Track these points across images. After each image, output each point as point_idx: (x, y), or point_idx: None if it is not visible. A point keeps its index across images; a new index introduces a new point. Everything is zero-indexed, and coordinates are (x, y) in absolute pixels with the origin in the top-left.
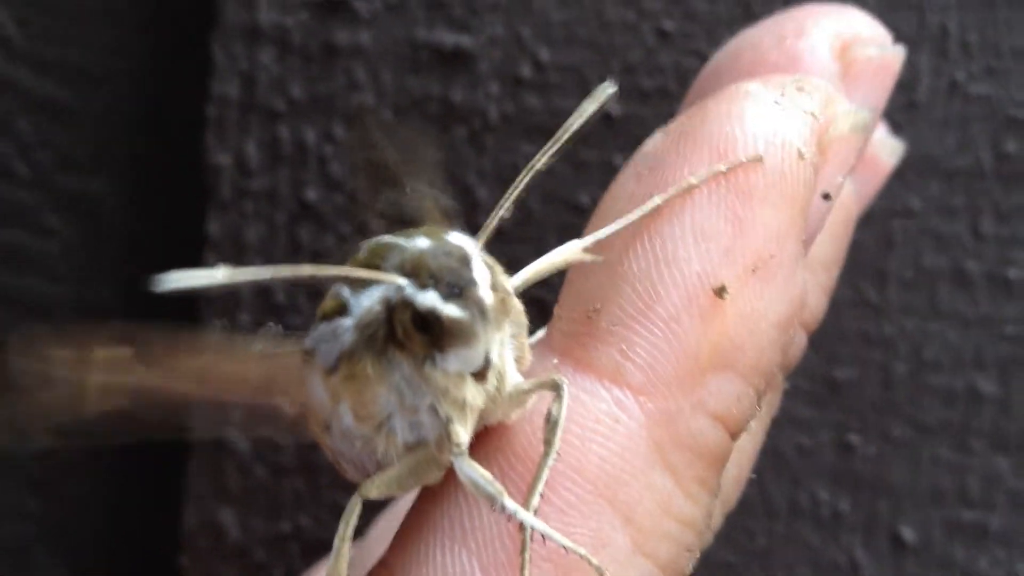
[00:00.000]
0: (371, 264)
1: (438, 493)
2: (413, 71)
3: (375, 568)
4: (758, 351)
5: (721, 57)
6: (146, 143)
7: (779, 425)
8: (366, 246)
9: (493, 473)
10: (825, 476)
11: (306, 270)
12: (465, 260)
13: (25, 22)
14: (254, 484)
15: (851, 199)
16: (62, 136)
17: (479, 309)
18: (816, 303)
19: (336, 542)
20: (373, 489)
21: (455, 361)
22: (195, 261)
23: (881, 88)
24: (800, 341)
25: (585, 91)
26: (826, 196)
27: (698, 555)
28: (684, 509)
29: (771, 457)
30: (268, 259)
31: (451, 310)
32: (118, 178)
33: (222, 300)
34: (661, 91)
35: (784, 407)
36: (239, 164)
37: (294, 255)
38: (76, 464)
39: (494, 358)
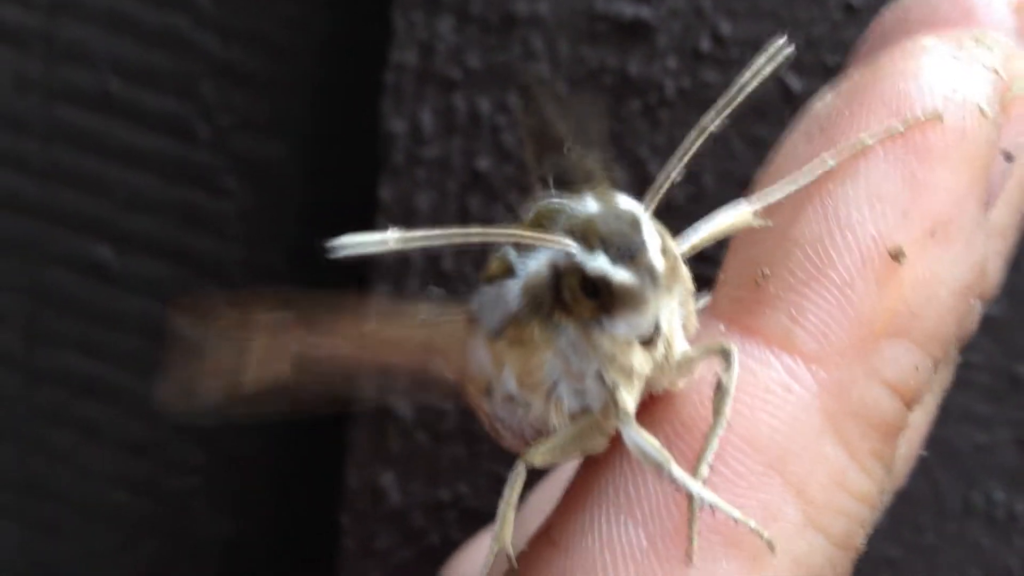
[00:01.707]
0: (539, 226)
1: (602, 462)
2: (590, 42)
3: (538, 536)
4: (936, 318)
5: (890, 14)
6: (323, 110)
7: (955, 420)
8: (534, 208)
9: (660, 441)
10: (1002, 475)
11: (476, 232)
12: (636, 224)
13: None
14: (415, 449)
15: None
16: (243, 101)
17: (650, 274)
18: (994, 271)
19: (501, 507)
20: (537, 456)
21: (624, 327)
22: (366, 227)
23: None
24: (976, 311)
25: None
26: (1008, 156)
27: (870, 531)
28: (858, 483)
29: (945, 453)
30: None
31: (622, 275)
32: (294, 143)
33: (390, 267)
34: (845, 67)
35: (961, 402)
36: (413, 132)
37: (463, 224)
38: (244, 423)
39: (663, 324)
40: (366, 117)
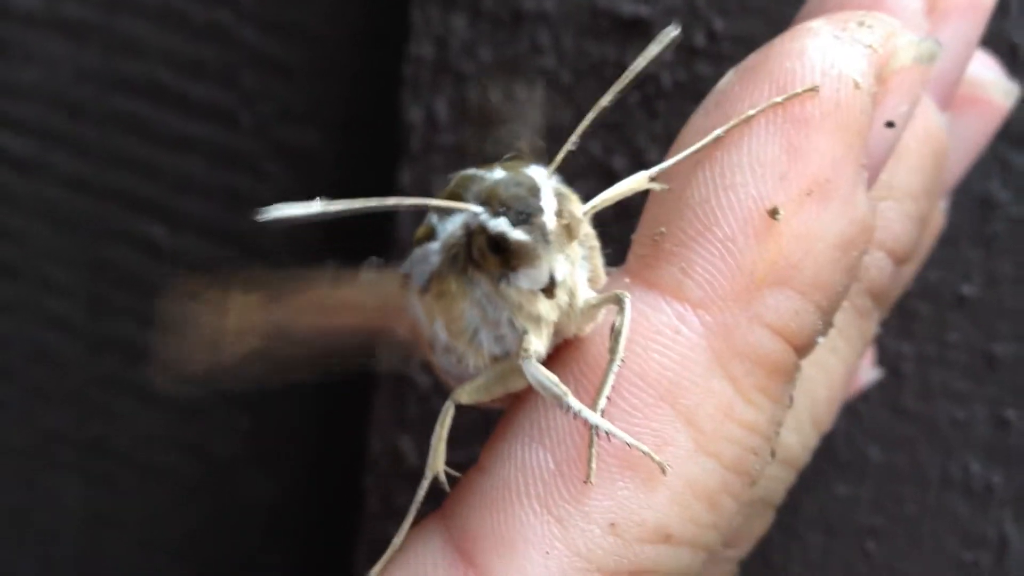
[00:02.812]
0: (455, 194)
1: (523, 399)
2: (592, 37)
3: (471, 470)
4: (816, 269)
5: (811, 1)
6: (354, 99)
7: (933, 396)
8: (454, 178)
9: (567, 380)
10: (978, 449)
11: (393, 201)
12: (534, 189)
13: None
14: (432, 415)
15: (940, 132)
16: (282, 90)
17: (542, 233)
18: (903, 231)
19: (433, 441)
20: (464, 395)
21: (524, 279)
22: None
23: (971, 23)
24: (884, 265)
25: None
26: (889, 124)
27: (770, 460)
28: (745, 414)
29: (924, 427)
30: None
31: (517, 234)
32: (329, 130)
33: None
34: None
35: (940, 379)
36: (430, 120)
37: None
38: (287, 391)
39: (559, 276)
40: (389, 106)
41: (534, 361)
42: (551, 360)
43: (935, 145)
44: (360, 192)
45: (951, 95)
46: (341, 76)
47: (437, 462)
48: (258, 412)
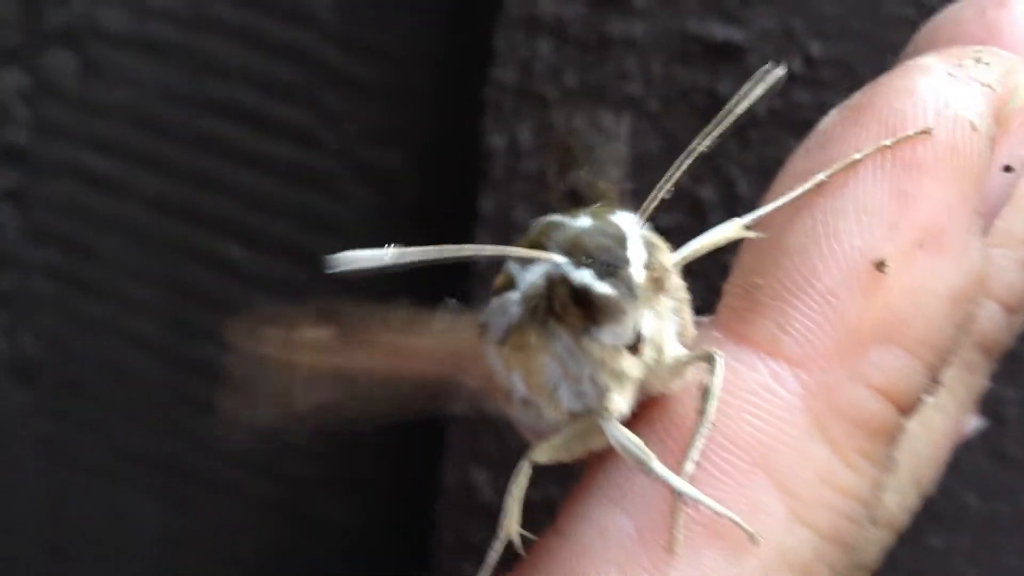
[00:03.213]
0: (538, 242)
1: (604, 459)
2: (682, 63)
3: (546, 532)
4: (925, 325)
5: (923, 32)
6: (436, 122)
7: None
8: (536, 225)
9: (652, 440)
10: None
11: (470, 249)
12: (621, 240)
13: (339, 6)
14: (507, 450)
15: None
16: (364, 111)
17: (628, 287)
18: (1017, 279)
19: (507, 501)
20: (542, 454)
21: (608, 335)
22: (468, 237)
23: None
24: (996, 317)
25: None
26: (1008, 168)
27: (873, 529)
28: (845, 479)
29: None
30: None
31: (602, 287)
32: (410, 152)
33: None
34: None
35: None
36: (512, 147)
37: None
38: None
39: (645, 332)
40: (472, 130)
41: (615, 421)
42: (635, 418)
43: None
44: (440, 218)
45: None
46: (424, 98)
47: (511, 524)
48: (332, 433)
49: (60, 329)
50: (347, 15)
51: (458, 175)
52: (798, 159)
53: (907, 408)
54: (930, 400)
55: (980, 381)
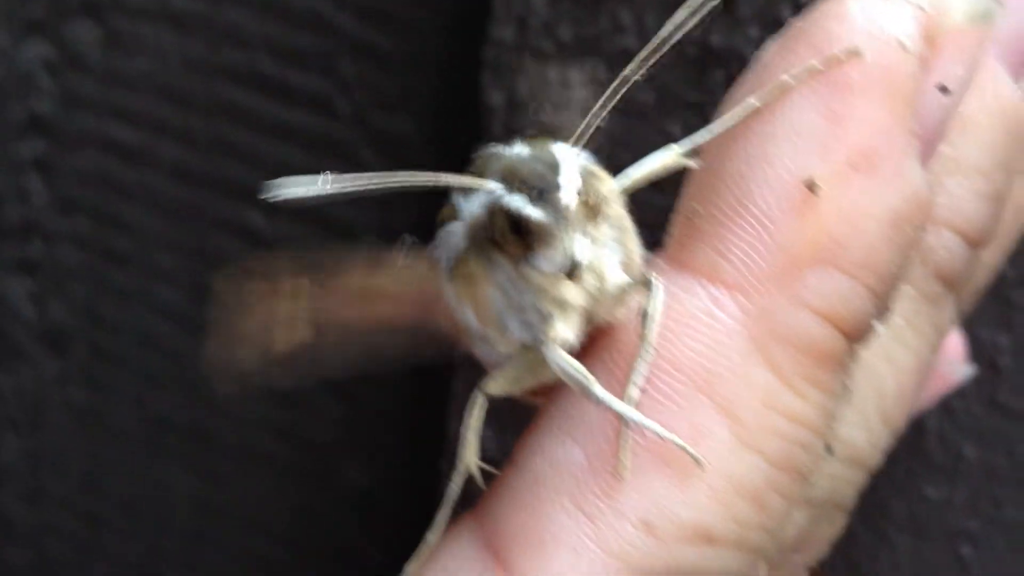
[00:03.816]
0: (479, 173)
1: (556, 392)
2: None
3: (505, 465)
4: (864, 248)
5: None
6: (444, 85)
7: None
8: (478, 156)
9: (599, 368)
10: None
11: (403, 177)
12: (553, 166)
13: None
14: (512, 405)
15: (1015, 102)
16: (377, 77)
17: (558, 211)
18: (973, 210)
19: (463, 432)
20: (494, 386)
21: (544, 261)
22: None
23: None
24: (955, 247)
25: None
26: (943, 89)
27: (825, 456)
28: (791, 404)
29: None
30: None
31: (533, 211)
32: (421, 117)
33: None
34: None
35: None
36: (510, 103)
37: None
38: (380, 377)
39: (580, 258)
40: (472, 90)
41: (557, 347)
42: (585, 350)
43: (1009, 116)
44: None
45: None
46: (433, 62)
47: (469, 456)
48: (352, 398)
49: (89, 298)
50: None
51: (466, 136)
52: (738, 89)
53: (855, 335)
54: (884, 329)
55: (946, 316)
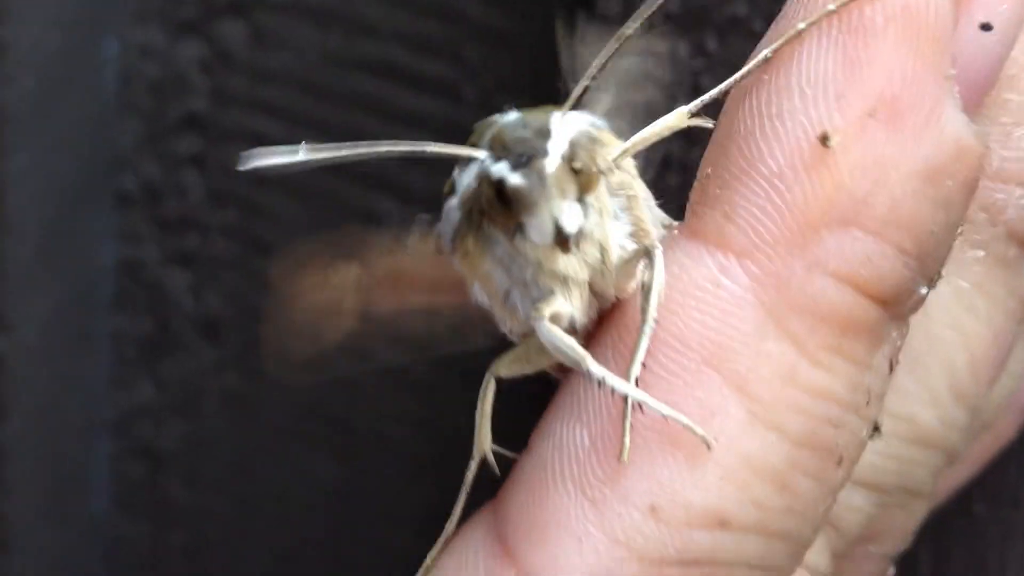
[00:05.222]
0: (475, 142)
1: (571, 375)
2: None
3: (523, 452)
4: (891, 204)
5: None
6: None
7: None
8: (477, 125)
9: (607, 346)
10: None
11: (383, 146)
12: (540, 132)
13: None
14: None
15: None
16: (500, 62)
17: (539, 177)
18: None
19: (476, 418)
20: (503, 367)
21: (532, 231)
22: None
23: None
24: (1004, 199)
25: None
26: (985, 27)
27: (867, 436)
28: (814, 379)
29: None
30: None
31: (513, 178)
32: (543, 101)
33: None
34: None
35: None
36: None
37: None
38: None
39: (568, 227)
40: None
41: (547, 322)
42: (599, 328)
43: None
44: None
45: None
46: (555, 44)
47: (483, 442)
48: (425, 393)
49: (241, 287)
50: None
51: None
52: (761, 45)
53: (891, 300)
54: (951, 298)
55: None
